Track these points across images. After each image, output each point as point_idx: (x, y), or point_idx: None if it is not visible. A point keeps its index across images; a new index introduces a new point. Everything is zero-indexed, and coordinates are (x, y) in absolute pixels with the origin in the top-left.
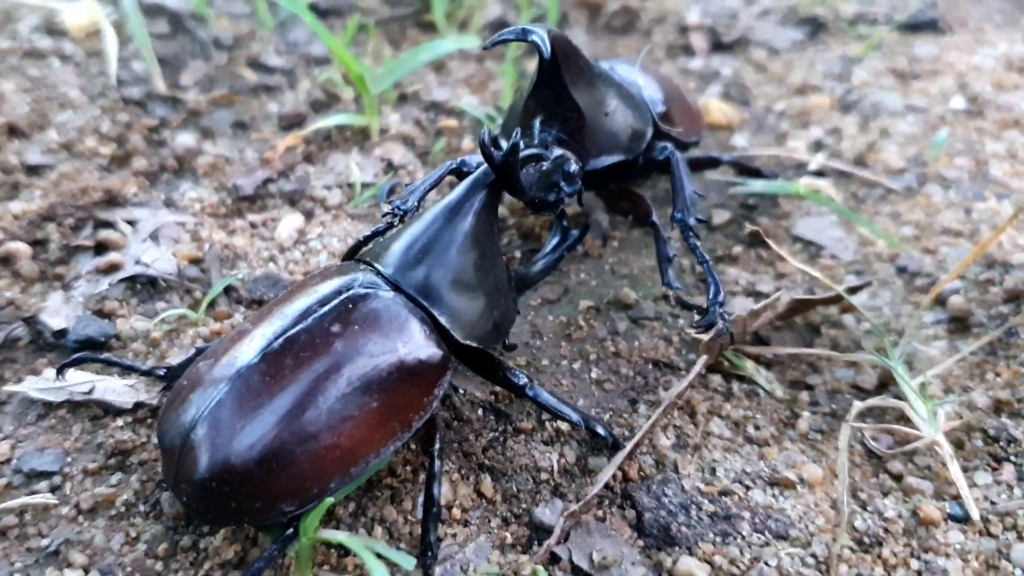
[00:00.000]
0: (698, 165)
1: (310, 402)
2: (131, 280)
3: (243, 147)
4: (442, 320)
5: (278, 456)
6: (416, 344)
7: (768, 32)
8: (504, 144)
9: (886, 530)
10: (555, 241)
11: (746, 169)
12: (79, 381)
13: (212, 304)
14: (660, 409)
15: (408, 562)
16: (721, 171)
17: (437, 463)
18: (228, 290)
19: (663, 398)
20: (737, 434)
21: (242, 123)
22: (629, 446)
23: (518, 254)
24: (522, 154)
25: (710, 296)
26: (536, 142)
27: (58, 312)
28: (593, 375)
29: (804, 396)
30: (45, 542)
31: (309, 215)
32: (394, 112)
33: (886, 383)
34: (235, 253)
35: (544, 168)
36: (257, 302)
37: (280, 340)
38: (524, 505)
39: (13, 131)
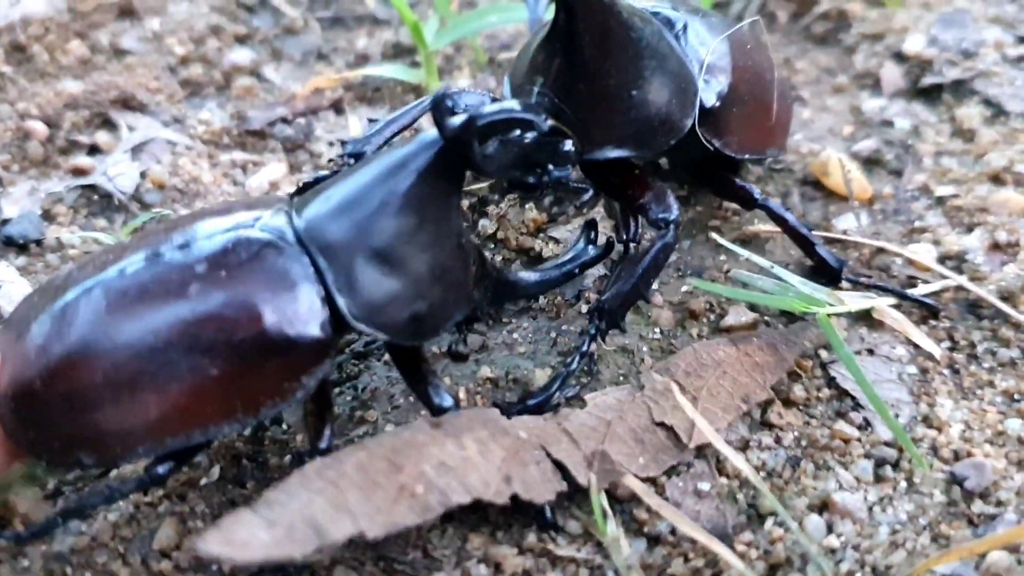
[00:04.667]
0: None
1: (136, 344)
2: (91, 188)
3: (302, 77)
4: (335, 293)
5: (81, 393)
6: (290, 315)
7: (1014, 84)
8: (469, 100)
9: None
10: (569, 255)
11: (805, 243)
12: None
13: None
14: None
15: None
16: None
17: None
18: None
19: None
20: None
21: (322, 53)
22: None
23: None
24: (484, 120)
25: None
26: (522, 107)
27: (18, 201)
28: None
29: None
30: None
31: (297, 168)
32: (470, 76)
33: None
34: (199, 190)
35: (526, 142)
36: None
37: (138, 264)
38: None
39: (126, 12)
